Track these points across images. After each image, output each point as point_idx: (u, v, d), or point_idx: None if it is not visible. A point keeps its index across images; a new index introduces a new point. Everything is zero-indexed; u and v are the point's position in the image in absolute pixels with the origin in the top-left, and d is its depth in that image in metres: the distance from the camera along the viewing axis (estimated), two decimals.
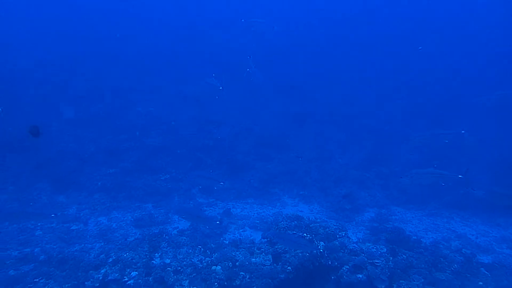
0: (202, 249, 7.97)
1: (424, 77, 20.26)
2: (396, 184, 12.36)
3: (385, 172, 13.44)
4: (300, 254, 6.60)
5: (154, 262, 7.27)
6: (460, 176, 7.06)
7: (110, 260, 7.22)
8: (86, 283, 6.60)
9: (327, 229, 7.49)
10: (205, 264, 7.06)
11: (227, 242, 8.49)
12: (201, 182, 10.56)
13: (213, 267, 6.79)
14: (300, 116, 16.87)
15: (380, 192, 12.62)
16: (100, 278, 6.65)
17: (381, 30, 25.48)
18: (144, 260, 7.14)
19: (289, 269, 6.46)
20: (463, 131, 8.34)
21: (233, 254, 7.19)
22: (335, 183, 12.82)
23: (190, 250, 7.87)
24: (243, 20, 10.49)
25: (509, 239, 9.36)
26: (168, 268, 6.92)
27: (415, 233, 9.80)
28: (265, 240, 7.67)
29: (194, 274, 6.79)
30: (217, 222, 7.05)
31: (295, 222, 8.09)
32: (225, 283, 6.41)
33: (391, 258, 6.96)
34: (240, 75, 13.88)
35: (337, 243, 7.10)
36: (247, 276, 6.50)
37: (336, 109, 17.60)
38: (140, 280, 6.63)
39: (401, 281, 6.41)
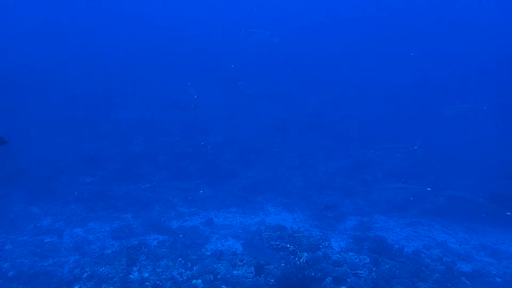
0: (182, 261, 7.71)
1: (412, 81, 20.74)
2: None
3: (368, 179, 13.53)
4: (283, 265, 6.48)
5: (131, 276, 6.98)
6: (428, 188, 7.23)
7: (85, 275, 6.90)
8: None
9: (311, 239, 7.40)
10: (185, 277, 6.85)
11: (208, 253, 8.28)
12: (178, 194, 10.29)
13: (194, 281, 6.58)
14: (286, 122, 16.85)
15: (363, 200, 12.67)
16: None
17: (368, 35, 26.09)
18: (121, 274, 6.84)
19: (272, 281, 6.32)
20: (415, 147, 8.53)
21: (215, 266, 7.01)
22: (319, 191, 12.80)
23: (170, 263, 7.59)
24: (242, 31, 10.45)
25: (487, 247, 9.53)
26: (147, 283, 6.66)
27: (397, 241, 9.85)
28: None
29: None
30: (181, 236, 6.84)
31: (278, 232, 7.96)
32: None
33: (374, 268, 6.94)
34: (228, 82, 13.74)
35: (320, 253, 7.01)
36: None
37: (323, 114, 17.70)
38: None
39: None
